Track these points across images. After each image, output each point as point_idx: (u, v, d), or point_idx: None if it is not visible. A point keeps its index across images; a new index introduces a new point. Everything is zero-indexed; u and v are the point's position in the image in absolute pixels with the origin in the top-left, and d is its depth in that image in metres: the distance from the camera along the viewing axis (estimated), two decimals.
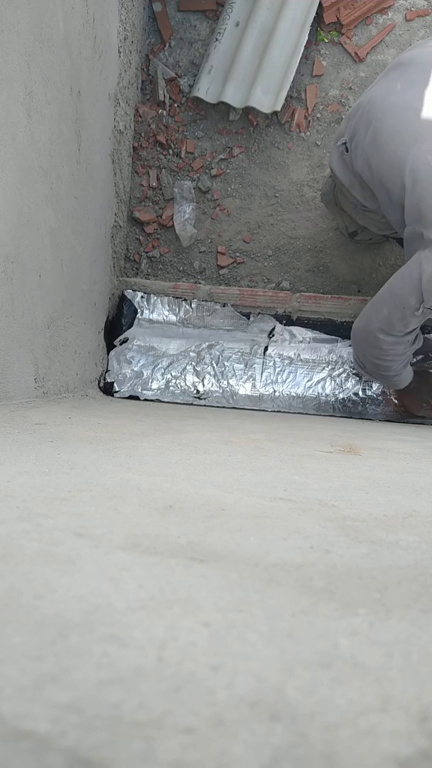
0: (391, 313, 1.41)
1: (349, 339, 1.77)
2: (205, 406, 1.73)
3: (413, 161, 1.30)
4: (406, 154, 1.31)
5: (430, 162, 1.28)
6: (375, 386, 1.76)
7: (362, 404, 1.76)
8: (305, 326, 1.79)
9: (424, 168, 1.28)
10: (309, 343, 1.78)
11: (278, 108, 1.83)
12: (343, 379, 1.77)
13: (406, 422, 1.73)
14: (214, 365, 1.77)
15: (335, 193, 1.68)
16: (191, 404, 1.73)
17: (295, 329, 1.78)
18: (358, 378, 1.76)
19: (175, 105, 1.95)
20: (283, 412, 1.75)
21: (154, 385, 1.75)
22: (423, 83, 1.34)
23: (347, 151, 1.47)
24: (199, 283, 1.92)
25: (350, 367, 1.77)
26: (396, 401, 1.74)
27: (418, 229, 1.32)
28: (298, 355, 1.77)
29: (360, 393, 1.76)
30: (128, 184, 1.92)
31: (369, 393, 1.76)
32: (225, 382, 1.77)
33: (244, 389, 1.77)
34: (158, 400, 1.74)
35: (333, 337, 1.78)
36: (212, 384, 1.77)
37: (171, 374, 1.76)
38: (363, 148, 1.41)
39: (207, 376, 1.77)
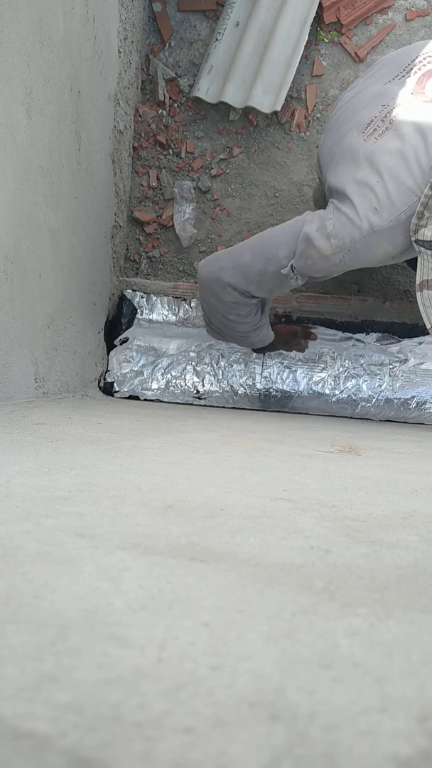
0: (252, 262, 1.30)
1: (349, 334, 1.77)
2: (205, 406, 1.73)
3: (343, 136, 1.30)
4: (341, 132, 1.32)
5: (353, 134, 1.27)
6: (376, 385, 1.76)
7: (362, 404, 1.76)
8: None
9: (347, 140, 1.28)
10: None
11: (278, 108, 1.83)
12: (342, 379, 1.77)
13: (406, 422, 1.73)
14: (214, 365, 1.77)
15: (325, 197, 1.68)
16: (191, 404, 1.73)
17: None
18: (357, 378, 1.76)
19: (175, 105, 1.95)
20: (283, 412, 1.75)
21: (154, 385, 1.75)
22: (382, 74, 1.35)
23: None
24: None
25: (352, 365, 1.77)
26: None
27: (329, 197, 1.31)
28: (298, 354, 1.77)
29: (360, 393, 1.76)
30: (128, 184, 1.92)
31: (369, 392, 1.76)
32: (225, 382, 1.77)
33: (244, 389, 1.77)
34: (158, 400, 1.74)
35: (333, 332, 1.78)
36: (212, 384, 1.77)
37: (171, 374, 1.76)
38: (323, 135, 1.42)
39: (207, 376, 1.77)
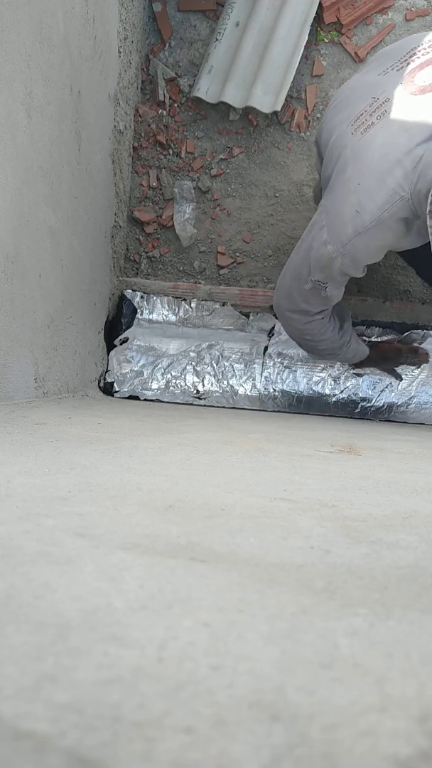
0: (291, 285, 1.39)
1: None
2: (205, 406, 1.73)
3: (333, 128, 1.30)
4: (332, 123, 1.32)
5: (343, 127, 1.27)
6: (376, 386, 1.76)
7: (362, 404, 1.76)
8: None
9: (336, 133, 1.28)
10: None
11: (278, 108, 1.83)
12: (342, 379, 1.77)
13: (406, 422, 1.73)
14: (214, 365, 1.77)
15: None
16: (191, 404, 1.73)
17: None
18: (357, 378, 1.76)
19: (175, 105, 1.95)
20: (283, 412, 1.75)
21: (154, 385, 1.75)
22: (377, 66, 1.35)
23: None
24: (199, 283, 1.92)
25: (351, 366, 1.77)
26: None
27: (322, 195, 1.32)
28: (298, 354, 1.77)
29: (360, 393, 1.76)
30: (128, 184, 1.92)
31: (369, 392, 1.76)
32: (225, 382, 1.77)
33: (244, 389, 1.77)
34: (158, 400, 1.74)
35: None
36: (212, 384, 1.77)
37: (171, 374, 1.76)
38: (318, 133, 1.42)
39: (207, 376, 1.77)
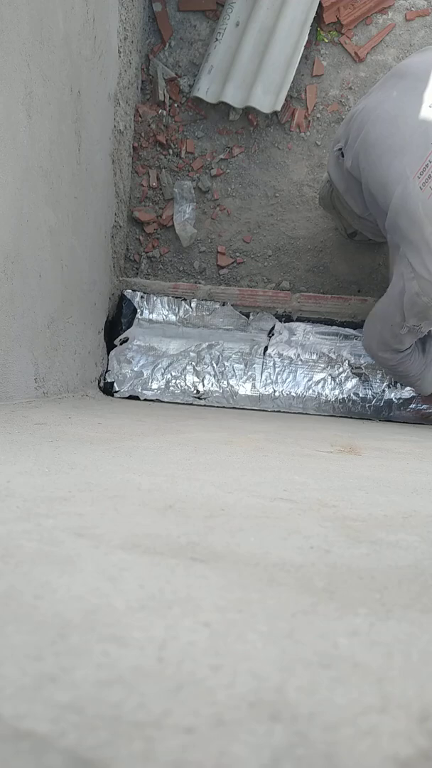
0: (383, 330, 1.46)
1: (350, 330, 1.78)
2: (205, 406, 1.73)
3: (396, 174, 1.31)
4: (389, 164, 1.33)
5: (407, 175, 1.29)
6: (375, 386, 1.77)
7: (362, 404, 1.76)
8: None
9: (403, 184, 1.30)
10: (309, 336, 1.78)
11: (278, 108, 1.83)
12: (342, 378, 1.77)
13: (406, 422, 1.73)
14: (214, 365, 1.77)
15: (332, 197, 1.68)
16: (191, 404, 1.73)
17: (294, 324, 1.79)
18: (357, 378, 1.76)
19: (175, 105, 1.95)
20: (283, 412, 1.75)
21: (154, 385, 1.75)
22: (417, 92, 1.34)
23: (342, 156, 1.48)
24: (199, 283, 1.92)
25: (350, 366, 1.77)
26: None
27: (395, 239, 1.35)
28: (298, 355, 1.77)
29: (360, 393, 1.76)
30: (128, 184, 1.92)
31: (369, 392, 1.76)
32: (225, 382, 1.77)
33: (244, 389, 1.77)
34: (158, 400, 1.74)
35: (333, 328, 1.78)
36: (212, 384, 1.77)
37: (171, 374, 1.76)
38: (354, 149, 1.42)
39: (207, 376, 1.77)
